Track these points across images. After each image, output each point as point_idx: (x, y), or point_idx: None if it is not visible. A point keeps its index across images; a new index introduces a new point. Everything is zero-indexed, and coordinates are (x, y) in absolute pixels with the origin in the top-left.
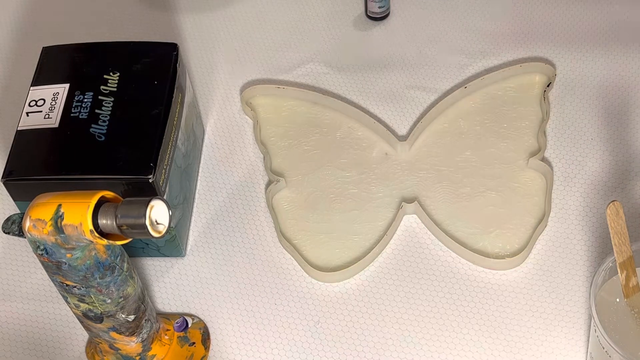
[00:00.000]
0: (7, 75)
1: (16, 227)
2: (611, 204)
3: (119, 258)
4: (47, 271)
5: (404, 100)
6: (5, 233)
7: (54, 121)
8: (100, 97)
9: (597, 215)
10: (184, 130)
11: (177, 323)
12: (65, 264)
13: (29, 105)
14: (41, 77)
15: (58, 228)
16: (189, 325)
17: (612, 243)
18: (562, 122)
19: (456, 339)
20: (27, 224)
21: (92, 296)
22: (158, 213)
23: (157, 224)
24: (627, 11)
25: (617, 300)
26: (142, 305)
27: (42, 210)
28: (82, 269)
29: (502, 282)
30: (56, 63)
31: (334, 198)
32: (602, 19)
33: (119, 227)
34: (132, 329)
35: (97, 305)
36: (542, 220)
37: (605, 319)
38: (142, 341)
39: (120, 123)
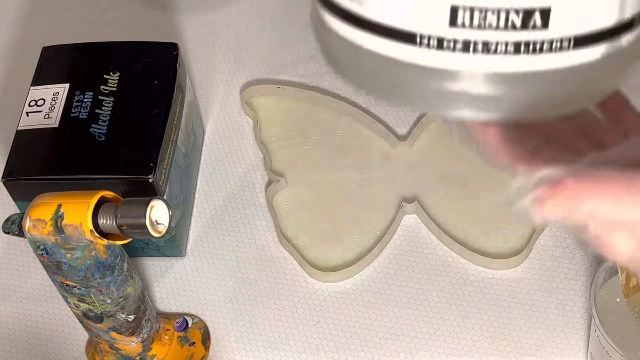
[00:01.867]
0: (7, 75)
1: (16, 227)
2: None
3: (119, 258)
4: (47, 271)
5: None
6: (5, 233)
7: (54, 121)
8: (100, 97)
9: None
10: (184, 130)
11: (177, 323)
12: (65, 264)
13: (29, 105)
14: (41, 77)
15: (58, 228)
16: (189, 325)
17: None
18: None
19: (456, 338)
20: (27, 224)
21: (92, 296)
22: (158, 213)
23: (157, 224)
24: None
25: (617, 300)
26: (142, 305)
27: (42, 210)
28: (82, 269)
29: (502, 281)
30: (56, 63)
31: (334, 198)
32: None
33: (119, 227)
34: (132, 329)
35: (97, 305)
36: None
37: (606, 319)
38: (142, 341)
39: (120, 123)
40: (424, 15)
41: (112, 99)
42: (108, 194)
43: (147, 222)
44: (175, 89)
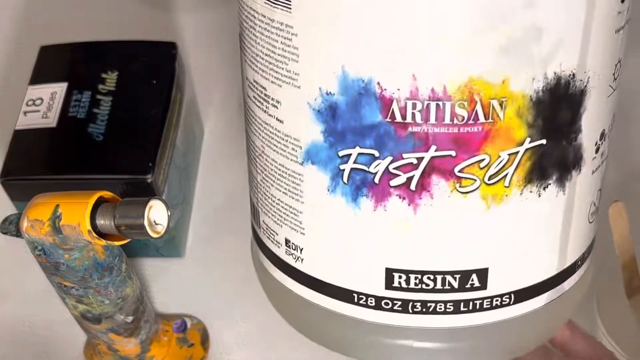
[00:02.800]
0: (4, 75)
1: (14, 228)
2: (614, 203)
3: (117, 259)
4: (45, 272)
5: None
6: (3, 233)
7: (52, 121)
8: (98, 97)
9: (599, 215)
10: (183, 130)
11: (175, 324)
12: (63, 264)
13: (27, 104)
14: (39, 76)
15: (56, 228)
16: (188, 327)
17: (615, 243)
18: None
19: None
20: (25, 224)
21: (90, 297)
22: (157, 213)
23: (156, 224)
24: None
25: (620, 300)
26: (141, 306)
27: (40, 211)
28: (81, 269)
29: None
30: (54, 62)
31: None
32: None
33: (118, 227)
34: (131, 330)
35: (96, 306)
36: None
37: (608, 319)
38: (141, 342)
39: (118, 122)
40: (360, 276)
41: (111, 98)
42: (106, 194)
43: (146, 223)
44: (174, 89)
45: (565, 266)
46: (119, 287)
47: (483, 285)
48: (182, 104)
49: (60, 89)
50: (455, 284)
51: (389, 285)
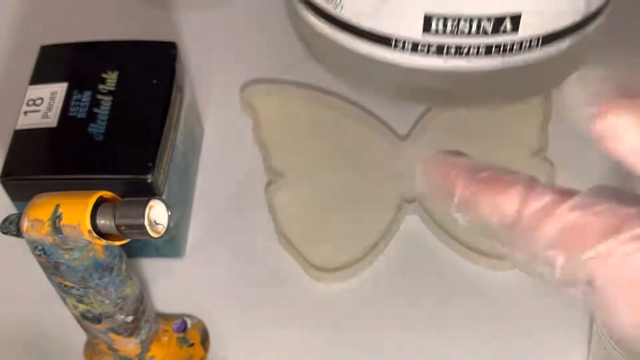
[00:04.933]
0: (4, 74)
1: (14, 228)
2: None
3: (117, 259)
4: (45, 272)
5: None
6: (3, 233)
7: (52, 121)
8: (98, 97)
9: None
10: (183, 130)
11: (175, 324)
12: (64, 264)
13: (27, 104)
14: (39, 76)
15: (56, 228)
16: (188, 326)
17: None
18: (565, 120)
19: (457, 339)
20: (25, 224)
21: (90, 297)
22: (157, 213)
23: (156, 224)
24: (625, 8)
25: None
26: (141, 306)
27: (40, 211)
28: (81, 269)
29: (504, 281)
30: (54, 62)
31: (334, 198)
32: None
33: (118, 227)
34: (131, 330)
35: (96, 306)
36: None
37: None
38: (141, 342)
39: (118, 122)
40: (399, 22)
41: (111, 98)
42: (106, 194)
43: (146, 223)
44: (174, 89)
45: (590, 12)
46: (119, 287)
47: (514, 29)
48: (182, 104)
49: (60, 88)
50: (489, 29)
51: (426, 29)
